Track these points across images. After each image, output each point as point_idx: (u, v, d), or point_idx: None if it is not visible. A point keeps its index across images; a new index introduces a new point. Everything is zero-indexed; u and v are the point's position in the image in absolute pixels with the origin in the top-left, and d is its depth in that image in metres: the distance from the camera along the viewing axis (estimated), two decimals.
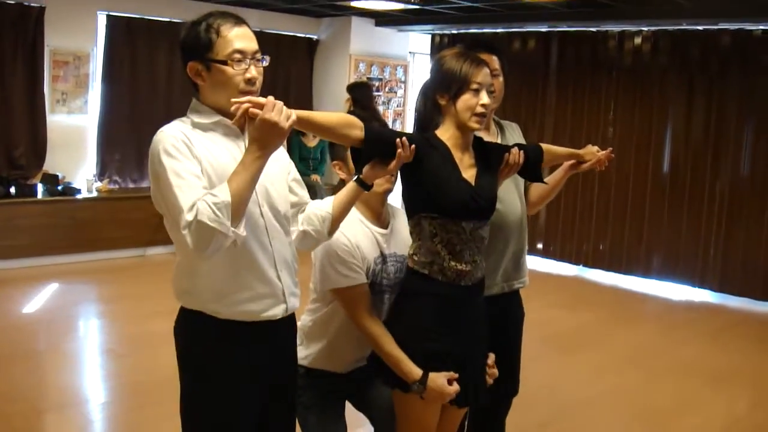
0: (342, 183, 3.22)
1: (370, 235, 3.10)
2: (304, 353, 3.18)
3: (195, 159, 2.44)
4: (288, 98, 10.91)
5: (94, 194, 9.01)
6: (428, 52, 11.68)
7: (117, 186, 9.47)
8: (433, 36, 11.43)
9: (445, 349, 2.86)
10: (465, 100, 2.83)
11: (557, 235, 10.12)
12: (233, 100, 2.33)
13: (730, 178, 8.72)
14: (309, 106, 11.10)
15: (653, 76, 9.21)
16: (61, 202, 8.62)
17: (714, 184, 8.83)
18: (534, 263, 3.57)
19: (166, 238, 2.54)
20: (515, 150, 3.03)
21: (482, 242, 2.93)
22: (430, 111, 2.95)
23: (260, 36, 2.64)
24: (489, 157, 3.00)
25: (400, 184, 2.95)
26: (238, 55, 2.50)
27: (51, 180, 8.70)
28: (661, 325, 7.79)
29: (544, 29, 10.02)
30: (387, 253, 3.14)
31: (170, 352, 2.68)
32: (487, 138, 3.31)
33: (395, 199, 3.16)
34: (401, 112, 11.87)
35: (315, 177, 9.45)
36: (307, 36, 11.36)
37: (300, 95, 11.25)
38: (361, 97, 8.79)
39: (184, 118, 2.58)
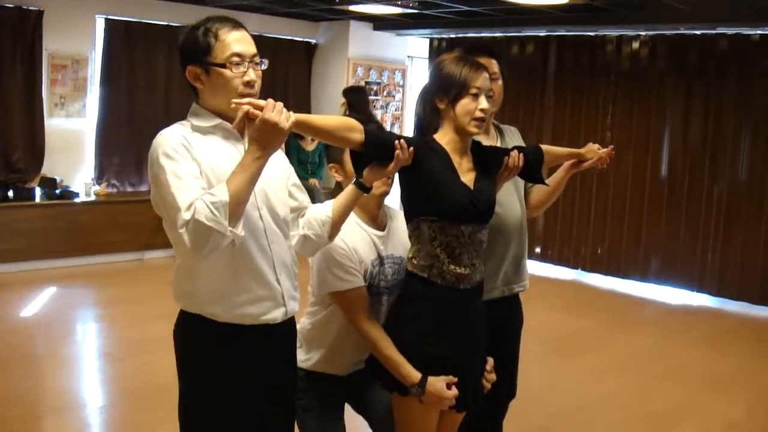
0: (339, 186, 3.22)
1: (367, 238, 3.10)
2: (303, 356, 3.18)
3: (194, 161, 2.44)
4: (286, 102, 10.64)
5: (92, 198, 9.02)
6: (426, 56, 11.69)
7: (115, 190, 9.47)
8: (432, 40, 11.45)
9: (444, 353, 2.86)
10: (464, 104, 2.83)
11: (555, 240, 10.13)
12: (234, 100, 2.34)
13: (727, 182, 8.73)
14: (307, 110, 11.11)
15: (651, 80, 9.23)
16: (59, 206, 8.62)
17: (712, 188, 8.84)
18: (532, 267, 3.59)
19: (164, 242, 2.55)
20: (514, 153, 3.03)
21: (481, 246, 2.93)
22: (429, 115, 2.95)
23: (259, 40, 2.65)
24: (487, 161, 3.00)
25: (399, 187, 2.95)
26: (236, 59, 2.51)
27: (49, 184, 8.70)
28: (659, 329, 7.80)
29: (542, 33, 10.03)
30: (384, 255, 3.14)
31: (169, 356, 2.68)
32: (486, 142, 3.32)
33: (394, 201, 3.16)
34: (399, 116, 11.88)
35: (313, 181, 9.44)
36: (306, 40, 11.37)
37: (298, 99, 11.26)
38: (356, 101, 8.81)
39: (183, 122, 2.58)
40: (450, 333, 2.87)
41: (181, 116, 2.63)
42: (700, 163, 8.89)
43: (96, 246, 8.84)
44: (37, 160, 8.83)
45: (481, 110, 2.83)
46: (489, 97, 2.91)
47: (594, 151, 3.53)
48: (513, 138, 3.64)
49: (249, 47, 2.56)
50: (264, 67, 2.61)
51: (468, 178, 2.90)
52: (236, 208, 2.31)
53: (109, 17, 9.26)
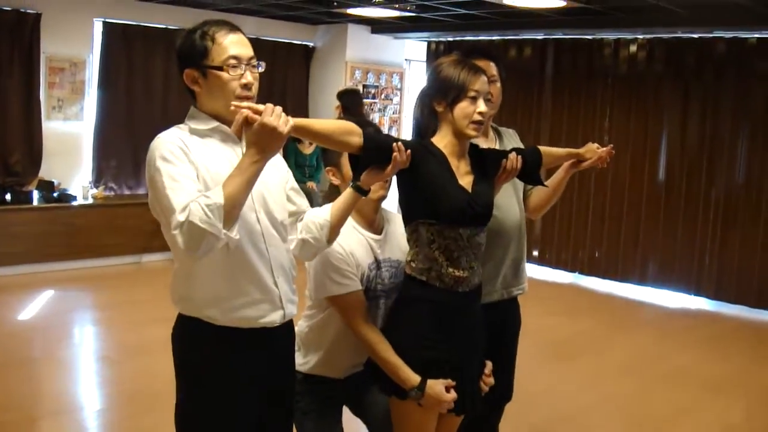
0: (334, 189, 3.22)
1: (364, 242, 3.10)
2: (301, 359, 3.18)
3: (191, 164, 2.44)
4: (284, 105, 10.63)
5: (90, 201, 9.01)
6: (424, 59, 11.69)
7: (113, 193, 9.47)
8: (429, 43, 11.45)
9: (442, 356, 2.86)
10: (462, 107, 2.83)
11: (553, 243, 10.13)
12: (233, 103, 2.34)
13: (725, 185, 8.73)
14: (305, 113, 11.13)
15: (649, 84, 9.24)
16: (56, 209, 8.62)
17: (709, 191, 8.84)
18: (530, 271, 3.57)
19: (162, 245, 2.55)
20: (513, 155, 3.04)
21: (479, 248, 2.93)
22: (427, 118, 2.95)
23: (256, 43, 2.65)
24: (485, 164, 3.00)
25: (397, 190, 2.95)
26: (233, 61, 2.52)
27: (47, 187, 8.69)
28: (657, 332, 7.79)
29: (540, 37, 10.04)
30: (381, 258, 3.13)
31: (166, 359, 2.68)
32: (485, 144, 3.32)
33: (392, 204, 3.16)
34: (397, 119, 11.88)
35: (311, 184, 9.43)
36: (304, 43, 11.37)
37: (296, 102, 11.26)
38: (351, 103, 8.82)
39: (181, 125, 2.59)
40: (448, 336, 2.87)
41: (179, 119, 2.63)
42: (698, 166, 8.90)
43: (94, 249, 8.84)
44: (35, 163, 8.82)
45: (479, 113, 2.83)
46: (487, 101, 2.91)
47: (593, 150, 3.50)
48: (511, 140, 3.64)
49: (246, 50, 2.56)
50: (261, 69, 2.61)
51: (466, 181, 2.90)
52: (231, 211, 2.31)
53: (107, 20, 9.26)
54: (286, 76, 11.14)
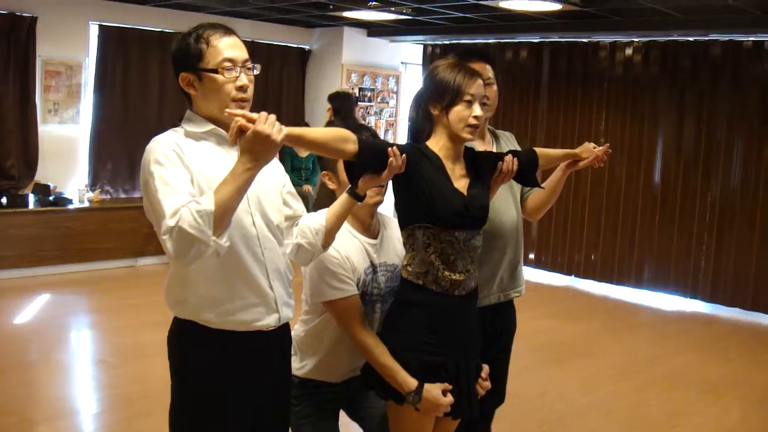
0: (324, 194, 3.22)
1: (360, 246, 3.10)
2: (297, 364, 3.18)
3: (186, 168, 2.45)
4: (280, 108, 10.94)
5: (86, 204, 8.99)
6: (420, 62, 11.70)
7: (109, 196, 9.46)
8: (425, 46, 11.46)
9: (439, 359, 2.86)
10: (458, 111, 2.83)
11: (549, 246, 10.14)
12: (227, 110, 2.33)
13: (720, 188, 8.74)
14: (301, 117, 11.14)
15: (644, 87, 9.25)
16: (52, 213, 8.60)
17: (705, 194, 8.85)
18: (526, 274, 3.56)
19: (158, 249, 2.55)
20: (509, 157, 3.03)
21: (476, 251, 2.93)
22: (422, 120, 2.95)
23: (252, 46, 2.66)
24: (481, 167, 3.00)
25: (392, 195, 2.95)
26: (228, 64, 2.52)
27: (42, 190, 8.68)
28: (653, 335, 7.80)
29: (535, 40, 10.05)
30: (377, 263, 3.13)
31: (162, 363, 2.68)
32: (482, 147, 3.32)
33: (388, 208, 3.16)
34: (393, 123, 11.88)
35: (307, 187, 9.45)
36: (300, 46, 11.37)
37: (292, 105, 11.27)
38: (342, 106, 8.83)
39: (177, 128, 2.59)
40: (445, 340, 2.87)
41: (175, 123, 2.63)
42: (694, 169, 8.91)
43: (89, 253, 8.83)
44: (31, 167, 8.82)
45: (475, 117, 2.83)
46: (483, 104, 2.91)
47: (590, 150, 3.50)
48: (508, 143, 3.64)
49: (241, 53, 2.57)
50: (256, 72, 2.62)
51: (461, 184, 2.90)
52: (222, 217, 2.30)
53: (103, 24, 9.26)
54: (282, 79, 11.14)
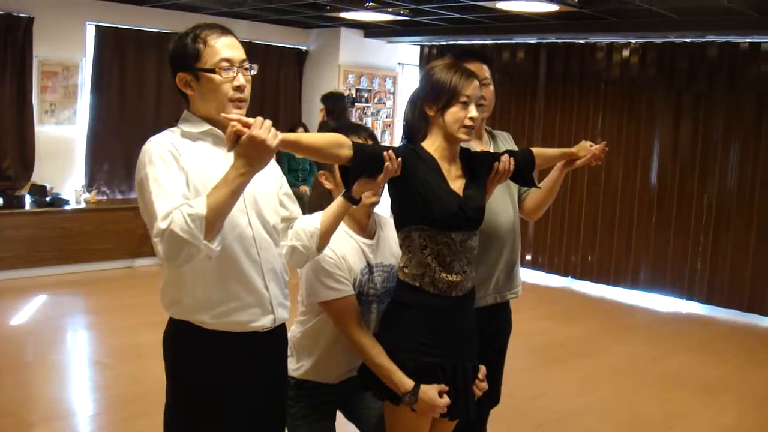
0: (317, 196, 3.22)
1: (356, 246, 3.10)
2: (294, 365, 3.17)
3: (181, 169, 2.45)
4: (277, 109, 10.94)
5: (83, 205, 8.99)
6: (417, 63, 11.71)
7: (105, 197, 9.46)
8: (422, 47, 11.47)
9: (436, 361, 2.86)
10: (453, 112, 2.83)
11: (545, 247, 10.14)
12: (223, 114, 2.32)
13: (717, 190, 8.75)
14: (298, 117, 11.14)
15: (641, 88, 9.26)
16: (49, 213, 8.59)
17: (701, 196, 8.86)
18: (523, 275, 3.56)
19: (155, 250, 2.54)
20: (505, 157, 3.03)
21: (472, 252, 2.93)
22: (418, 121, 2.94)
23: (249, 47, 2.66)
24: (476, 168, 3.00)
25: (389, 197, 2.95)
26: (225, 64, 2.52)
27: (39, 191, 8.67)
28: (649, 336, 7.80)
29: (533, 41, 10.06)
30: (373, 263, 3.13)
31: (159, 364, 2.68)
32: (479, 147, 3.32)
33: (384, 209, 3.16)
34: (390, 123, 11.89)
35: (304, 188, 9.43)
36: (297, 47, 11.37)
37: (289, 106, 11.27)
38: (335, 106, 8.85)
39: (174, 128, 2.59)
40: (442, 341, 2.87)
41: (172, 123, 2.63)
42: (690, 170, 8.92)
43: (86, 253, 8.81)
44: (28, 168, 8.81)
45: (471, 118, 2.83)
46: (479, 105, 2.91)
47: (586, 148, 3.48)
48: (505, 143, 3.64)
49: (238, 53, 2.57)
50: (254, 72, 2.62)
51: (457, 185, 2.90)
52: (214, 222, 2.30)
53: (100, 24, 9.25)
54: (279, 80, 11.14)
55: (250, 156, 2.29)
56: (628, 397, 5.92)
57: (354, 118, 11.06)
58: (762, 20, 7.53)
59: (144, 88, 9.69)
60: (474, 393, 3.00)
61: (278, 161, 2.57)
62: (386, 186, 2.86)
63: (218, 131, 2.55)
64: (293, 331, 3.22)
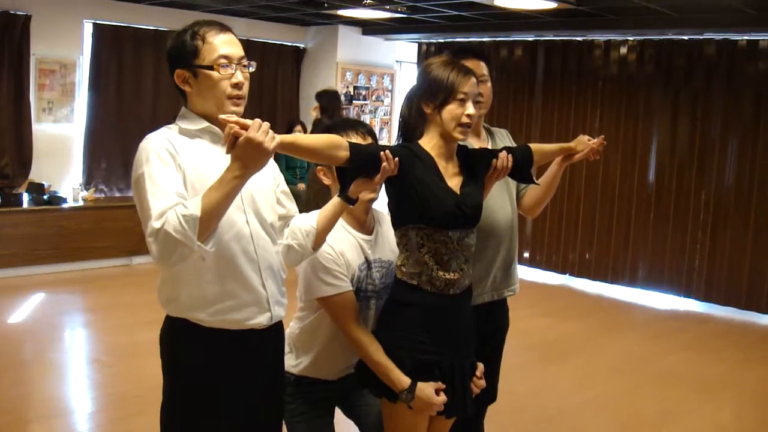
0: (318, 190, 3.22)
1: (354, 242, 3.09)
2: (292, 361, 3.17)
3: (178, 168, 2.44)
4: (275, 107, 10.94)
5: (80, 203, 8.99)
6: (415, 60, 11.71)
7: (103, 195, 9.46)
8: (420, 45, 11.47)
9: (433, 358, 2.85)
10: (450, 110, 2.82)
11: (543, 245, 10.15)
12: (221, 116, 2.30)
13: (715, 187, 8.75)
14: (296, 115, 11.12)
15: (639, 85, 9.26)
16: (47, 212, 8.58)
17: (699, 193, 8.86)
18: (520, 272, 3.56)
19: None
20: (503, 154, 3.02)
21: (470, 250, 2.92)
22: (414, 118, 2.93)
23: (247, 45, 2.66)
24: (474, 165, 2.99)
25: (386, 195, 2.94)
26: (224, 60, 2.52)
27: (37, 189, 8.67)
28: (647, 334, 7.81)
29: (530, 38, 10.06)
30: (372, 259, 3.12)
31: (157, 362, 2.68)
32: (477, 144, 3.32)
33: (383, 206, 3.15)
34: (388, 121, 11.88)
35: (301, 186, 9.42)
36: (294, 44, 11.37)
37: (287, 104, 11.27)
38: (329, 104, 8.85)
39: (171, 125, 2.59)
40: (440, 339, 2.87)
41: (169, 121, 2.63)
42: (688, 167, 8.92)
43: (84, 251, 8.81)
44: (25, 166, 8.80)
45: (468, 116, 2.82)
46: (476, 103, 2.90)
47: (584, 142, 3.46)
48: (503, 140, 3.63)
49: (236, 50, 2.57)
50: (252, 69, 2.62)
51: (454, 182, 2.89)
52: (208, 223, 2.29)
53: (97, 22, 9.25)
54: (277, 77, 11.14)
55: (247, 158, 2.28)
56: (625, 395, 5.92)
57: (352, 115, 11.05)
58: (760, 17, 7.54)
59: (142, 85, 9.69)
60: (472, 390, 2.99)
61: (276, 159, 2.56)
62: (383, 185, 2.85)
63: (216, 128, 2.55)
64: (292, 328, 3.22)
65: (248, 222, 2.57)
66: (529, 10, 8.37)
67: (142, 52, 9.61)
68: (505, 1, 7.78)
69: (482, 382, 3.05)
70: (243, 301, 2.56)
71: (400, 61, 12.10)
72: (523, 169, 3.16)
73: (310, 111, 10.59)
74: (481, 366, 3.06)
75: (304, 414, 3.19)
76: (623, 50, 9.36)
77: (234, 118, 2.27)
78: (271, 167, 2.77)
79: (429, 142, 2.89)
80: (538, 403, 5.62)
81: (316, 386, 3.20)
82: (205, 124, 2.57)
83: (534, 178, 3.28)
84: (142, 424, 4.76)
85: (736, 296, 8.58)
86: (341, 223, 3.03)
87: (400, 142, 2.99)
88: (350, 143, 2.64)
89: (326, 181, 3.17)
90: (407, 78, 12.14)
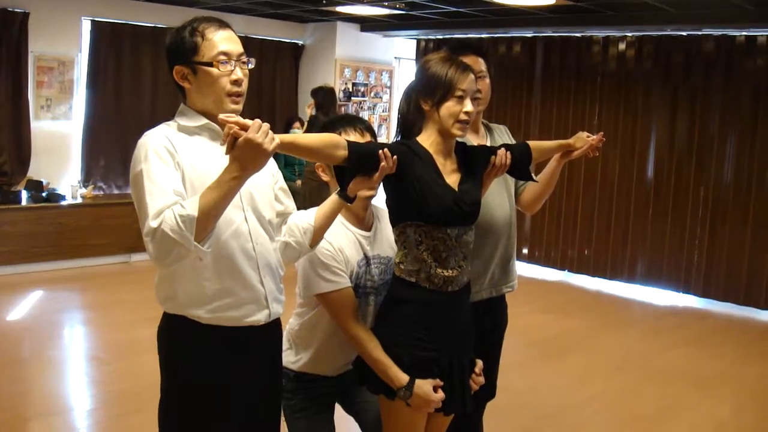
0: (315, 187, 3.21)
1: (353, 238, 3.09)
2: (292, 358, 3.17)
3: (177, 166, 2.44)
4: (273, 104, 10.93)
5: (79, 200, 8.98)
6: (413, 57, 11.70)
7: (101, 192, 9.45)
8: (419, 41, 11.46)
9: (432, 356, 2.85)
10: (448, 107, 2.81)
11: (542, 241, 10.15)
12: (221, 116, 2.27)
13: (713, 183, 8.75)
14: (294, 112, 11.12)
15: (637, 81, 9.26)
16: (45, 209, 8.57)
17: (698, 189, 8.86)
18: (519, 268, 3.56)
19: None
20: (501, 151, 3.02)
21: (468, 247, 2.92)
22: (413, 115, 2.93)
23: (245, 41, 2.65)
24: (472, 162, 2.99)
25: (384, 193, 2.94)
26: (223, 57, 2.52)
27: (35, 186, 8.66)
28: (646, 330, 7.82)
29: (529, 34, 10.06)
30: (371, 255, 3.12)
31: (156, 359, 2.68)
32: (476, 141, 3.31)
33: (382, 201, 3.15)
34: (387, 117, 11.88)
35: (300, 183, 9.44)
36: (293, 41, 11.36)
37: (285, 101, 11.26)
38: (324, 101, 8.85)
39: (170, 122, 2.58)
40: (438, 336, 2.87)
41: (168, 118, 2.62)
42: (686, 163, 8.93)
43: (82, 249, 8.81)
44: (24, 163, 8.80)
45: (466, 113, 2.82)
46: (475, 99, 2.89)
47: (583, 139, 3.46)
48: (502, 136, 3.63)
49: (236, 46, 2.56)
50: (251, 66, 2.62)
51: (452, 179, 2.89)
52: (205, 224, 2.29)
53: (95, 19, 9.23)
54: (276, 74, 11.13)
55: (246, 159, 2.26)
56: (624, 391, 5.92)
57: (351, 112, 11.05)
58: (758, 13, 7.53)
59: (140, 82, 9.68)
60: (470, 387, 2.99)
61: (275, 156, 2.55)
62: (381, 182, 2.85)
63: (215, 126, 2.54)
64: (291, 324, 3.22)
65: (246, 219, 2.57)
66: (528, 7, 8.37)
67: (140, 49, 9.60)
68: None
69: (481, 379, 3.04)
70: (241, 299, 2.56)
71: (398, 57, 12.10)
72: (521, 167, 3.15)
73: (305, 108, 10.61)
74: (480, 363, 3.06)
75: (304, 410, 3.19)
76: (622, 46, 9.35)
77: (234, 118, 2.25)
78: (270, 164, 2.76)
79: (427, 139, 2.89)
80: (537, 400, 5.62)
81: (316, 382, 3.20)
82: (204, 121, 2.57)
83: (532, 175, 3.28)
84: (141, 422, 4.75)
85: (735, 292, 8.59)
86: (340, 220, 3.02)
87: (399, 138, 2.98)
88: (349, 142, 2.64)
89: (325, 178, 3.17)
90: (406, 74, 12.13)
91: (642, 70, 9.22)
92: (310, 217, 2.79)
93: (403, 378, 2.81)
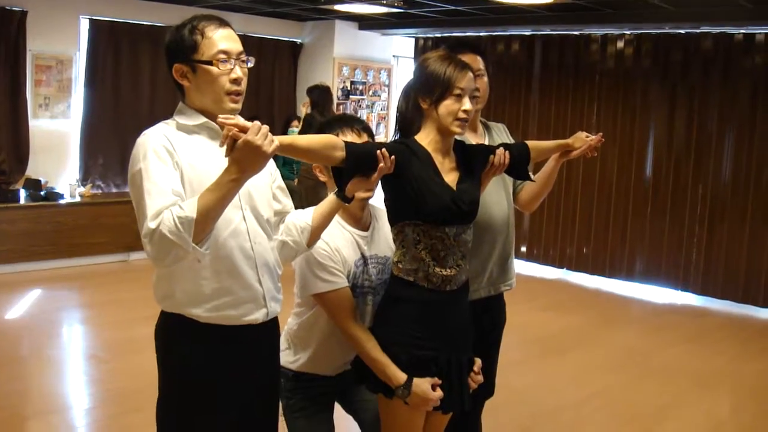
0: (310, 186, 3.21)
1: (350, 238, 3.08)
2: (291, 357, 3.17)
3: (176, 165, 2.44)
4: (272, 102, 10.92)
5: (77, 199, 8.97)
6: (412, 55, 11.69)
7: (100, 191, 9.44)
8: (417, 39, 11.45)
9: (430, 354, 2.85)
10: (447, 105, 2.81)
11: (541, 239, 10.15)
12: (220, 117, 2.24)
13: (712, 181, 8.75)
14: (293, 110, 11.11)
15: (636, 79, 9.26)
16: (43, 208, 8.57)
17: (696, 187, 8.86)
18: (518, 267, 3.57)
19: None
20: (500, 150, 3.01)
21: (466, 245, 2.92)
22: (411, 113, 2.92)
23: (244, 40, 2.65)
24: (471, 161, 2.99)
25: (382, 192, 2.93)
26: (222, 56, 2.51)
27: (34, 185, 8.66)
28: (645, 328, 7.82)
29: (527, 33, 10.05)
30: (368, 255, 3.12)
31: (154, 358, 2.68)
32: (474, 139, 3.31)
33: (379, 200, 3.15)
34: (385, 116, 11.88)
35: (296, 181, 9.43)
36: (291, 40, 11.35)
37: (284, 99, 11.26)
38: (320, 99, 8.84)
39: (169, 120, 2.58)
40: (436, 334, 2.87)
41: (166, 117, 2.62)
42: (685, 161, 8.93)
43: (81, 247, 8.81)
44: (22, 162, 8.79)
45: (464, 111, 2.81)
46: (473, 97, 2.89)
47: (582, 139, 3.46)
48: (500, 135, 3.63)
49: (235, 45, 2.56)
50: (251, 65, 2.61)
51: (451, 178, 2.88)
52: (203, 226, 2.28)
53: (94, 17, 9.23)
54: (274, 73, 11.13)
55: (245, 161, 2.24)
56: (622, 389, 5.92)
57: (349, 111, 11.05)
58: (756, 11, 7.54)
59: (138, 81, 9.67)
60: (469, 386, 2.99)
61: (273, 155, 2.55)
62: (379, 182, 2.84)
63: (214, 124, 2.53)
64: (290, 324, 3.22)
65: (245, 218, 2.57)
66: (526, 5, 8.37)
67: (138, 47, 9.59)
68: None
69: (480, 378, 3.04)
70: (239, 298, 2.56)
71: (397, 55, 12.10)
72: (519, 166, 3.15)
73: (300, 107, 10.61)
74: (478, 361, 3.06)
75: (303, 409, 3.19)
76: (620, 44, 9.35)
77: (233, 120, 2.23)
78: (268, 163, 2.75)
79: (426, 138, 2.88)
80: (535, 398, 5.62)
81: (315, 382, 3.20)
82: (202, 119, 2.56)
83: (531, 175, 3.28)
84: (140, 420, 4.74)
85: (734, 290, 8.59)
86: (337, 219, 3.02)
87: (397, 137, 2.98)
88: (346, 143, 2.63)
89: (322, 178, 3.16)
90: (404, 73, 12.13)
91: (640, 68, 9.22)
92: (307, 216, 2.78)
93: (402, 377, 2.81)
